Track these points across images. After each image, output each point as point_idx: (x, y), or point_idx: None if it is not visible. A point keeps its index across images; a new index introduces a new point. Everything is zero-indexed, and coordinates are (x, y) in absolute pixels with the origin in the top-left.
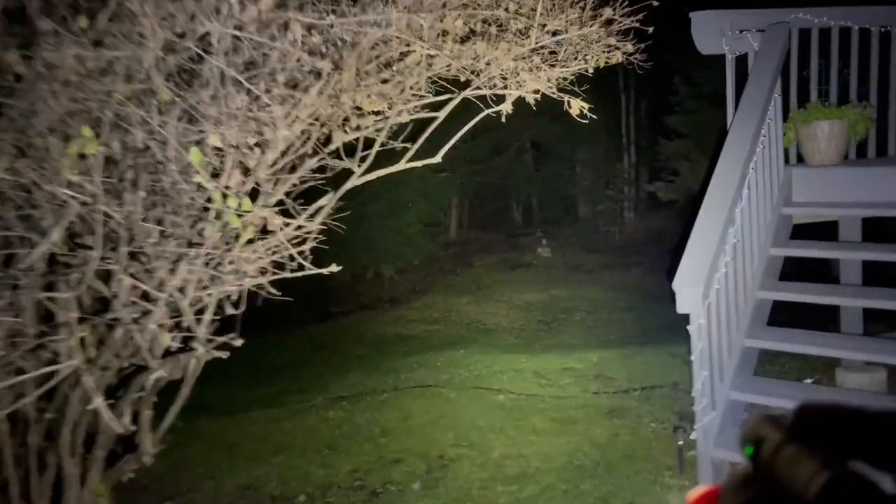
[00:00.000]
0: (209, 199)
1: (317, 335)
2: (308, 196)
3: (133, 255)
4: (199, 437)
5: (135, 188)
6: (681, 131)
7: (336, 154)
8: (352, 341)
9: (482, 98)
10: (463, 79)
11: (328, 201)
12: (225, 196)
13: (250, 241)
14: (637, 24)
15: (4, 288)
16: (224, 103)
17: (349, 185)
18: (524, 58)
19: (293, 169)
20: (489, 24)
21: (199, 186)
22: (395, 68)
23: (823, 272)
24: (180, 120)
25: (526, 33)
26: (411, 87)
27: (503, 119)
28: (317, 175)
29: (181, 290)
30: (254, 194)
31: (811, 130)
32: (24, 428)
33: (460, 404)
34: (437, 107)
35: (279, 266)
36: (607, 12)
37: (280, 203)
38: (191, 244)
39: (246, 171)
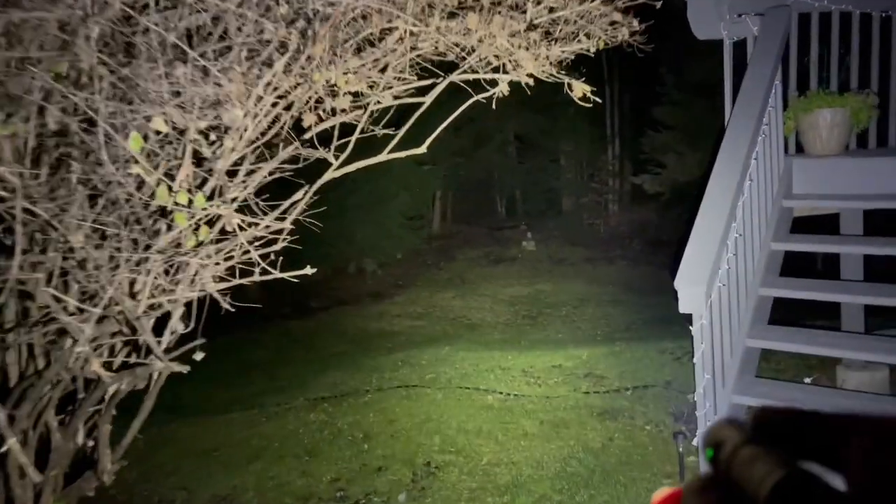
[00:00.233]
0: (153, 195)
1: (296, 331)
2: (279, 190)
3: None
4: (173, 442)
5: (65, 181)
6: (668, 123)
7: (311, 143)
8: (333, 338)
9: (470, 84)
10: (452, 57)
11: (302, 196)
12: (171, 190)
13: (218, 241)
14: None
15: None
16: (165, 78)
17: (326, 178)
18: (520, 34)
19: (261, 160)
20: None
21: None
22: (377, 47)
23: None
24: (116, 100)
25: (522, 6)
26: (394, 68)
27: (493, 106)
28: (286, 167)
29: (133, 296)
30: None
31: (812, 119)
32: None
33: (447, 405)
34: (422, 92)
35: (247, 269)
36: None
37: (251, 198)
38: (147, 247)
39: (201, 163)
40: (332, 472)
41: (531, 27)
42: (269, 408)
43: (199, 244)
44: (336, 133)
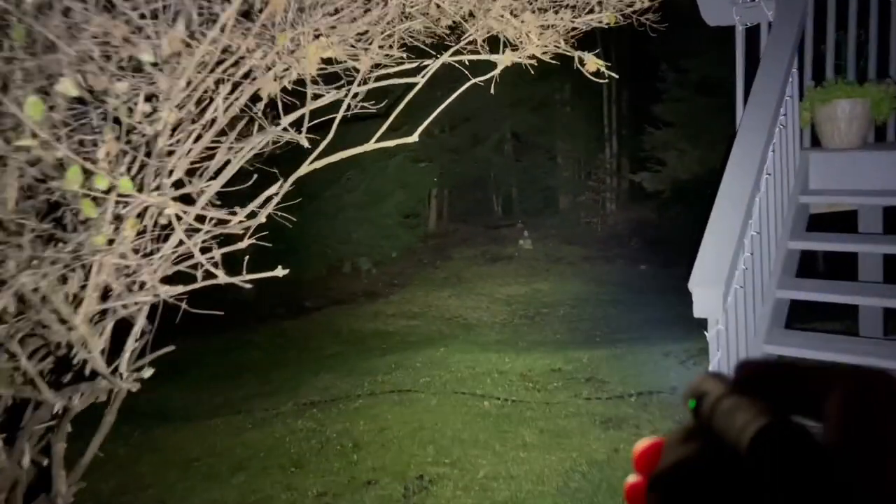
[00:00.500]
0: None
1: (289, 331)
2: (260, 182)
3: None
4: (154, 450)
5: None
6: (668, 120)
7: (295, 129)
8: (326, 338)
9: (469, 69)
10: (449, 23)
11: (278, 190)
12: (87, 173)
13: (165, 239)
14: None
15: None
16: (74, 28)
17: (303, 170)
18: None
19: (218, 141)
20: None
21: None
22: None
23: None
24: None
25: None
26: (381, 38)
27: (492, 90)
28: (261, 152)
29: (74, 303)
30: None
31: (831, 110)
32: None
33: (441, 412)
34: (414, 76)
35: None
36: None
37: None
38: (56, 243)
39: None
40: (318, 485)
41: None
42: (256, 413)
43: (132, 239)
44: (307, 114)
